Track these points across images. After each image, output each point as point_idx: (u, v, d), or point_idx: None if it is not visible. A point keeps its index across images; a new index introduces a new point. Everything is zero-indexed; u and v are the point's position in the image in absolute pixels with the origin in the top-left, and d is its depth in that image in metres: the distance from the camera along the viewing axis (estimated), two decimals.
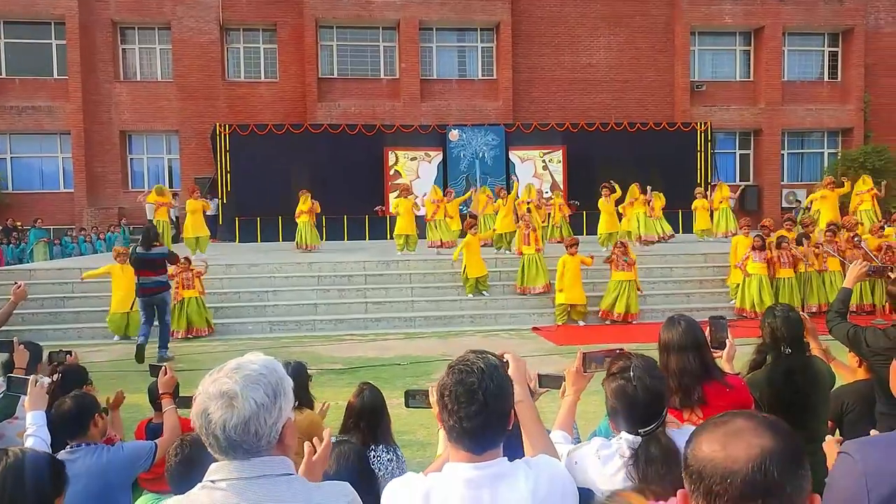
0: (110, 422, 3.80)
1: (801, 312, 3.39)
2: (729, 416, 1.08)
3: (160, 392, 3.54)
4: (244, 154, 19.04)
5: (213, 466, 1.47)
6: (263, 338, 11.07)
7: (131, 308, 10.52)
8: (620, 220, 15.19)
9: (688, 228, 17.26)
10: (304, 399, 3.89)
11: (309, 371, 4.16)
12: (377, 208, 17.50)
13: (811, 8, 21.00)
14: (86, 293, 12.05)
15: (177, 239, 15.64)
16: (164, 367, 3.56)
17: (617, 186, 14.80)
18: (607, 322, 11.81)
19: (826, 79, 21.95)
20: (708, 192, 16.46)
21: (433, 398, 1.77)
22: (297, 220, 15.28)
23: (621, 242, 12.32)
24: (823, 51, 21.91)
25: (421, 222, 15.29)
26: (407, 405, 2.50)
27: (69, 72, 20.01)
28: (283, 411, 1.48)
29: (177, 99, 20.53)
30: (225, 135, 19.25)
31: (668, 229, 15.37)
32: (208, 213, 19.23)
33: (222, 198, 19.17)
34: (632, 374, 2.10)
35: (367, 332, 11.46)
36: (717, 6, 20.89)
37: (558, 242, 14.37)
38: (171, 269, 10.34)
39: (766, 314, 3.36)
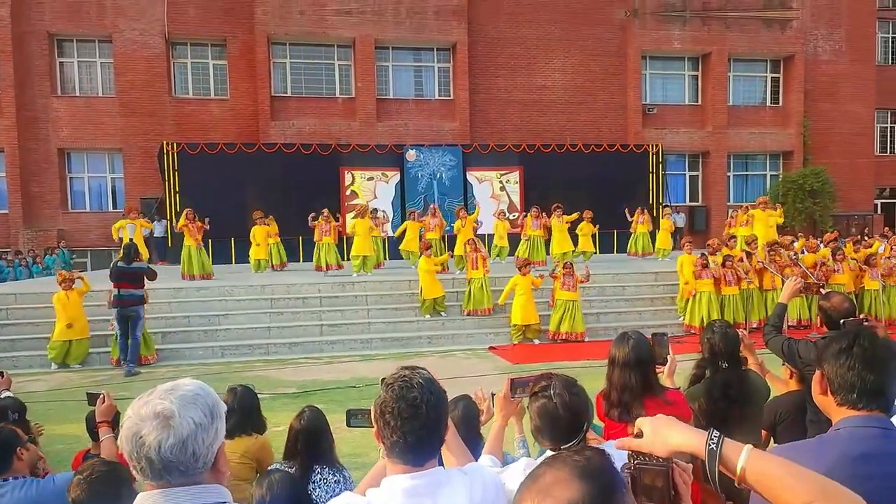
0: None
1: (738, 329, 3.57)
2: (543, 468, 1.07)
3: (98, 421, 3.36)
4: (193, 174, 18.35)
5: (141, 497, 1.39)
6: (215, 363, 10.80)
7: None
8: (576, 242, 15.60)
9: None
10: (255, 423, 3.87)
11: (261, 395, 4.12)
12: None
13: (754, 35, 21.82)
14: (21, 320, 11.46)
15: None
16: (101, 395, 3.37)
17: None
18: (558, 341, 11.98)
19: (769, 104, 22.84)
20: (632, 214, 16.88)
21: (374, 416, 1.74)
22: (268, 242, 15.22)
23: (569, 263, 12.56)
24: (766, 77, 22.80)
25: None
26: (349, 424, 2.45)
27: (1, 86, 18.85)
28: (219, 433, 1.43)
29: (120, 115, 19.61)
30: (173, 153, 18.52)
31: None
32: (156, 234, 18.68)
33: (171, 219, 18.40)
34: (552, 391, 2.14)
35: (323, 354, 11.29)
36: (667, 32, 21.46)
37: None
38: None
39: (705, 330, 3.52)
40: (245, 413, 3.80)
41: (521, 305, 11.79)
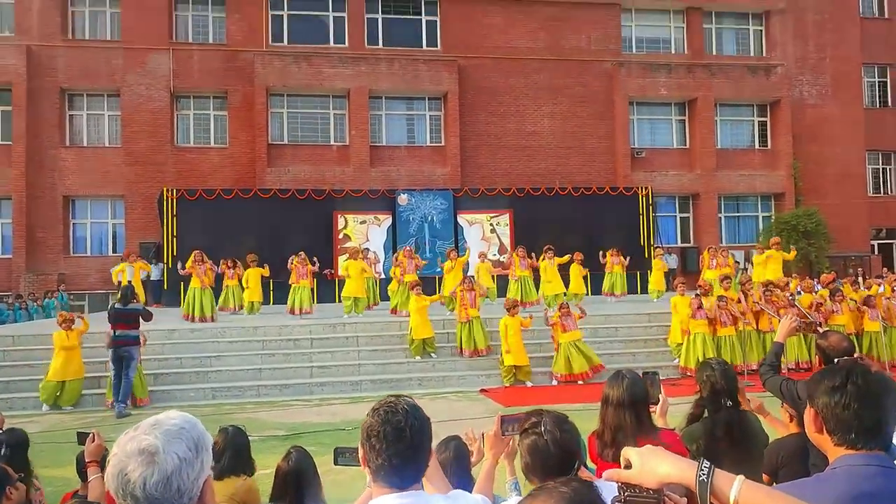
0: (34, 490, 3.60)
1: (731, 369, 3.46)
2: (530, 499, 1.08)
3: (87, 461, 3.34)
4: (191, 218, 18.91)
5: None
6: (206, 404, 10.77)
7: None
8: (567, 284, 15.53)
9: (638, 289, 17.94)
10: (244, 465, 3.82)
11: (250, 437, 4.07)
12: (326, 271, 17.41)
13: (739, 82, 22.33)
14: (18, 362, 11.60)
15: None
16: (91, 434, 3.36)
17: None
18: (554, 383, 11.89)
19: (757, 146, 23.14)
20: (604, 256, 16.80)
21: (360, 440, 1.78)
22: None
23: (564, 304, 12.51)
24: (753, 120, 23.19)
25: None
26: (336, 463, 2.48)
27: (13, 137, 19.82)
28: (204, 466, 1.43)
29: (124, 164, 20.44)
30: (172, 199, 19.14)
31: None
32: (152, 277, 19.14)
33: (168, 262, 18.88)
34: (542, 428, 2.13)
35: (313, 396, 11.26)
36: (652, 79, 22.06)
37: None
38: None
39: (702, 368, 3.43)
40: (236, 454, 3.78)
41: (513, 347, 11.73)
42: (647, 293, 16.89)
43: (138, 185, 20.37)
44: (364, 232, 19.98)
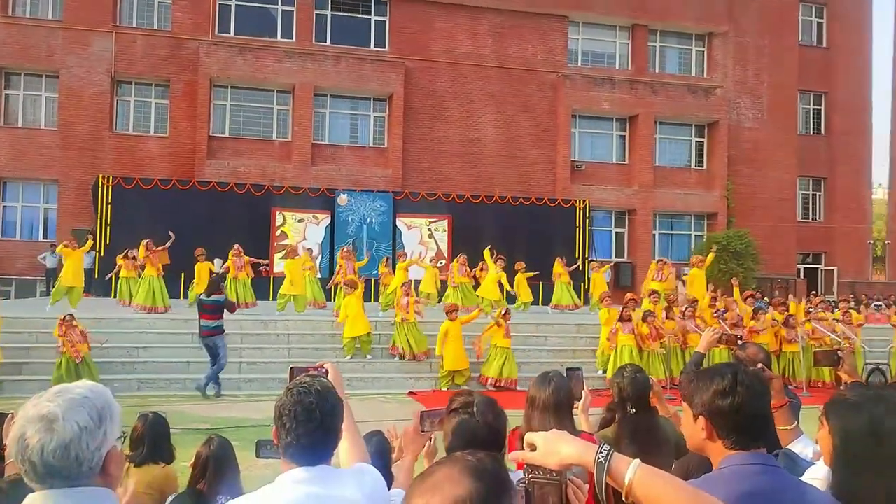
0: None
1: (649, 376, 3.55)
2: (436, 466, 1.09)
3: (4, 443, 3.40)
4: (126, 207, 18.62)
5: (28, 499, 1.37)
6: (130, 395, 10.65)
7: None
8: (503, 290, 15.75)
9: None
10: (163, 453, 3.86)
11: (172, 430, 4.13)
12: (261, 267, 17.34)
13: (679, 101, 22.83)
14: None
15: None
16: (10, 415, 3.26)
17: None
18: (489, 388, 12.02)
19: (693, 166, 23.69)
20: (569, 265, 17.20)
21: (273, 418, 1.83)
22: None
23: (509, 311, 12.65)
24: (691, 140, 23.74)
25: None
26: (258, 455, 2.49)
27: None
28: (108, 437, 1.40)
29: (59, 148, 20.07)
30: (108, 187, 18.83)
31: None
32: (83, 266, 18.88)
33: (100, 251, 18.64)
34: (475, 409, 2.11)
35: (241, 392, 11.26)
36: (596, 93, 22.42)
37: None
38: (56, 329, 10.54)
39: (615, 374, 3.53)
40: (155, 441, 3.80)
41: (452, 351, 11.87)
42: (588, 305, 17.16)
43: (73, 169, 20.04)
44: (302, 230, 19.98)
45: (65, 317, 10.67)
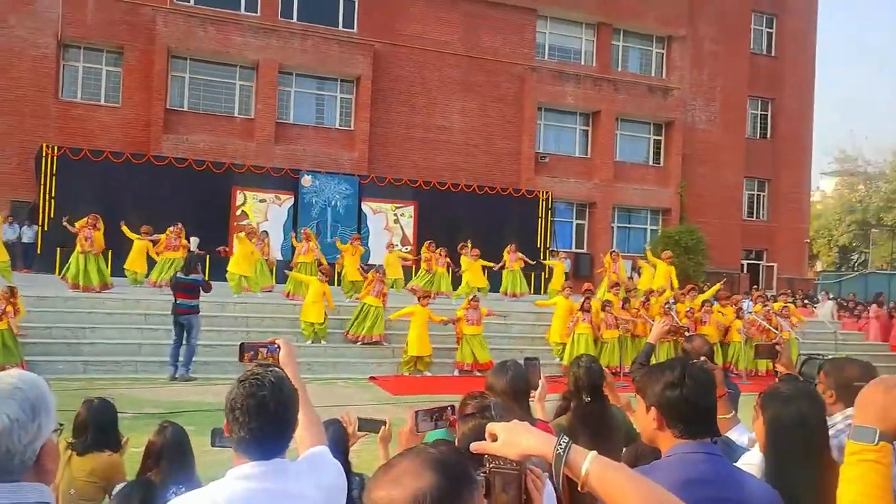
0: None
1: (602, 367, 3.63)
2: (398, 458, 1.11)
3: None
4: (73, 180, 17.42)
5: None
6: (76, 378, 10.11)
7: None
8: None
9: (532, 289, 18.27)
10: (109, 440, 3.64)
11: (123, 414, 3.92)
12: (220, 249, 16.65)
13: (640, 99, 23.54)
14: None
15: None
16: None
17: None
18: (456, 373, 12.19)
19: (651, 163, 24.50)
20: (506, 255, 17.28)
21: (224, 411, 1.74)
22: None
23: (475, 297, 12.86)
24: (649, 138, 24.53)
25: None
26: (213, 444, 2.40)
27: None
28: (42, 430, 1.34)
29: None
30: (52, 157, 17.58)
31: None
32: (24, 240, 17.54)
33: (43, 225, 17.36)
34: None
35: (196, 375, 10.81)
36: (561, 87, 22.79)
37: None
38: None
39: (572, 364, 3.62)
40: (100, 428, 3.61)
41: (417, 336, 11.87)
42: (547, 293, 17.38)
43: (13, 137, 18.58)
44: (263, 211, 19.31)
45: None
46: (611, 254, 16.75)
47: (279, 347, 2.14)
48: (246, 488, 1.65)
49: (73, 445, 3.61)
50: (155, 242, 14.47)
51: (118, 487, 3.04)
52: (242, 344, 2.22)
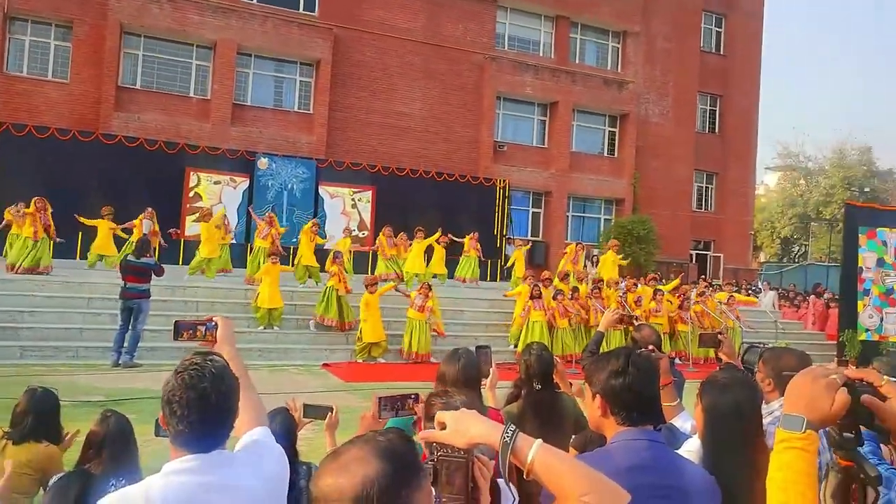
0: None
1: (553, 355, 3.67)
2: (346, 446, 1.12)
3: None
4: (16, 157, 16.76)
5: None
6: (11, 364, 9.75)
7: None
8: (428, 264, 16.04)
9: (489, 276, 18.61)
10: (49, 431, 3.56)
11: (62, 402, 3.79)
12: (171, 231, 16.38)
13: (596, 91, 23.94)
14: None
15: None
16: None
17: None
18: (406, 360, 12.20)
19: (606, 154, 24.99)
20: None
21: (161, 402, 1.67)
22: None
23: (426, 284, 12.88)
24: (604, 130, 25.00)
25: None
26: (157, 434, 2.29)
27: None
28: None
29: None
30: None
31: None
32: None
33: None
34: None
35: (142, 361, 10.46)
36: (520, 77, 23.01)
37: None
38: None
39: (524, 352, 3.68)
40: (39, 417, 3.50)
41: (371, 323, 11.91)
42: (498, 280, 17.64)
43: None
44: (217, 193, 18.99)
45: None
46: (577, 244, 17.20)
47: (216, 325, 2.05)
48: (181, 482, 1.59)
49: (9, 435, 3.52)
50: (128, 231, 14.16)
51: (54, 479, 2.90)
52: (177, 322, 2.11)
